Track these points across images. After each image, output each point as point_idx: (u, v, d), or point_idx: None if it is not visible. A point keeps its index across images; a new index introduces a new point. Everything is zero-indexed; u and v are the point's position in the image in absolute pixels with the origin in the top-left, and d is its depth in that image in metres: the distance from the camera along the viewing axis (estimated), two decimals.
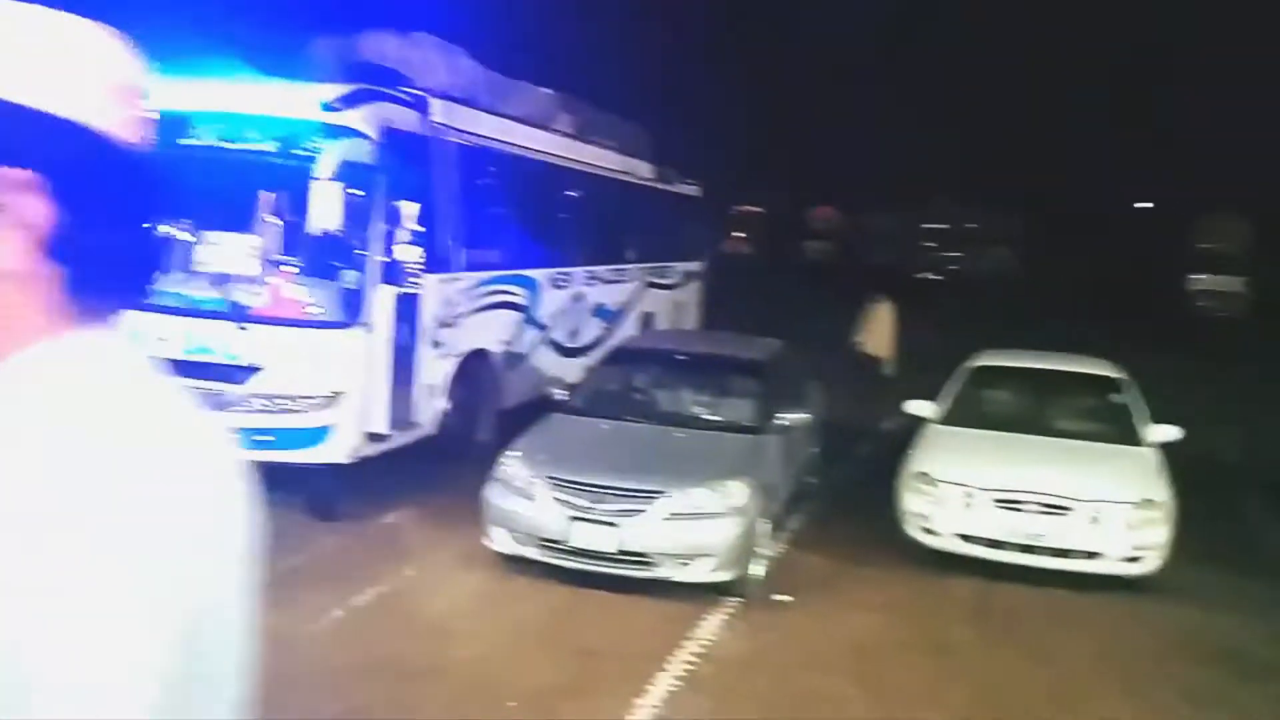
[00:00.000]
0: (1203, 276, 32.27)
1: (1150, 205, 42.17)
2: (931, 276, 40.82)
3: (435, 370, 8.74)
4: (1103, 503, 6.95)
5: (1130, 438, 7.82)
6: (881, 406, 11.51)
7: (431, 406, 8.69)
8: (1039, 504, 7.01)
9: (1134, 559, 6.93)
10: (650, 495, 6.57)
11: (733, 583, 6.60)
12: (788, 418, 7.82)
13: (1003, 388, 8.70)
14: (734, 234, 51.37)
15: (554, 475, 6.76)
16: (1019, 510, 7.04)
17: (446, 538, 7.40)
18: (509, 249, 10.30)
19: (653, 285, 14.48)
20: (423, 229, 8.23)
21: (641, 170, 14.28)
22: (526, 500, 6.71)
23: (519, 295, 10.42)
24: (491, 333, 9.83)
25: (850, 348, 13.98)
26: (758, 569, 6.91)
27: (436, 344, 8.73)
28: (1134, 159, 43.46)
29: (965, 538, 7.19)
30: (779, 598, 6.75)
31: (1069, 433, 8.02)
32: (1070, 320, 24.18)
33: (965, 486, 7.23)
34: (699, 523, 6.52)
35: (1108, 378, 8.52)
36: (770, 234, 50.86)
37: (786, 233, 50.51)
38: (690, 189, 16.46)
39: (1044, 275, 43.73)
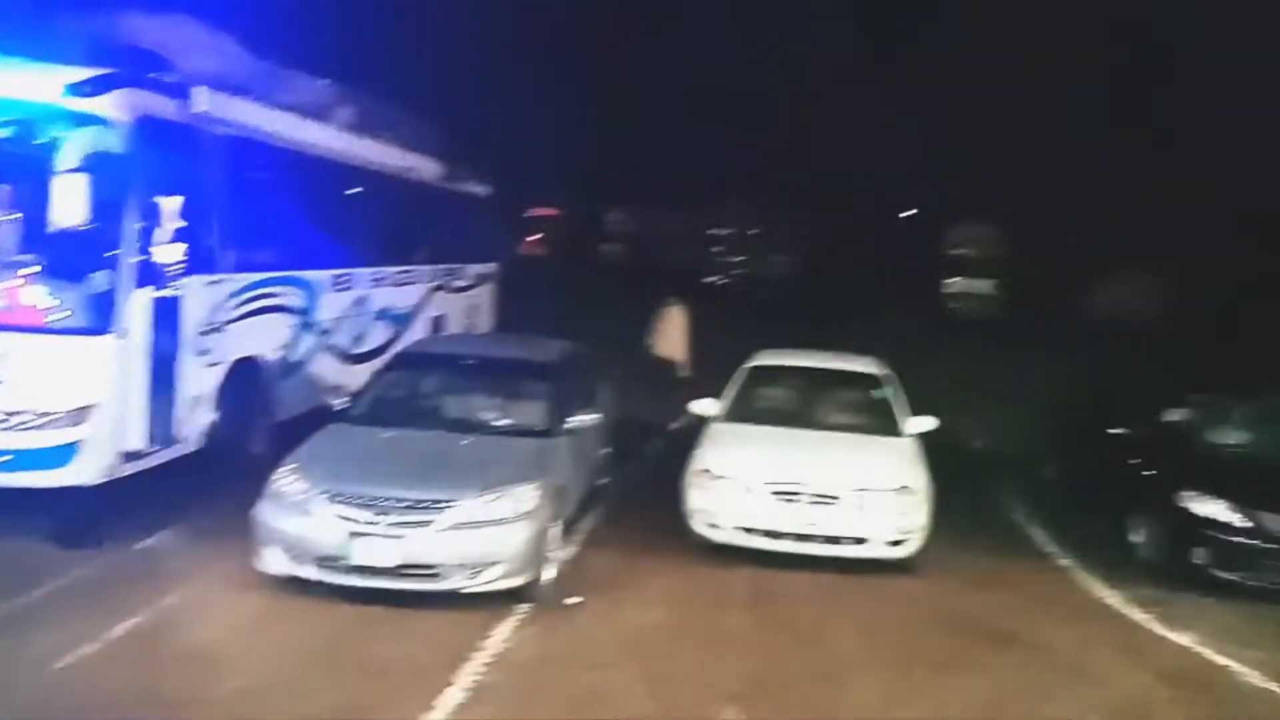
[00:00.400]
0: (955, 279, 35.11)
1: (914, 212, 45.61)
2: (720, 280, 42.30)
3: (200, 380, 8.16)
4: (867, 491, 7.44)
5: (891, 429, 8.40)
6: (673, 407, 11.82)
7: (197, 419, 8.12)
8: (811, 494, 7.41)
9: (897, 542, 7.45)
10: (437, 505, 6.42)
11: (524, 588, 6.55)
12: (578, 420, 7.86)
13: (777, 386, 9.13)
14: (530, 235, 51.21)
15: (333, 489, 6.47)
16: (793, 501, 7.42)
17: (215, 560, 6.90)
18: (283, 249, 9.75)
19: (443, 288, 14.18)
20: (185, 226, 7.68)
21: (430, 168, 13.94)
22: (303, 517, 6.39)
23: (294, 298, 9.91)
24: (263, 339, 9.28)
25: (645, 350, 14.29)
26: (550, 572, 6.90)
27: (201, 351, 8.16)
28: (901, 168, 47.02)
29: (745, 530, 7.50)
30: (570, 600, 6.77)
31: (837, 426, 8.52)
32: (843, 320, 25.84)
33: (744, 481, 7.54)
34: (488, 530, 6.42)
35: (870, 374, 9.12)
36: (566, 236, 51.08)
37: (582, 235, 50.90)
38: (483, 189, 16.25)
39: (823, 279, 46.49)
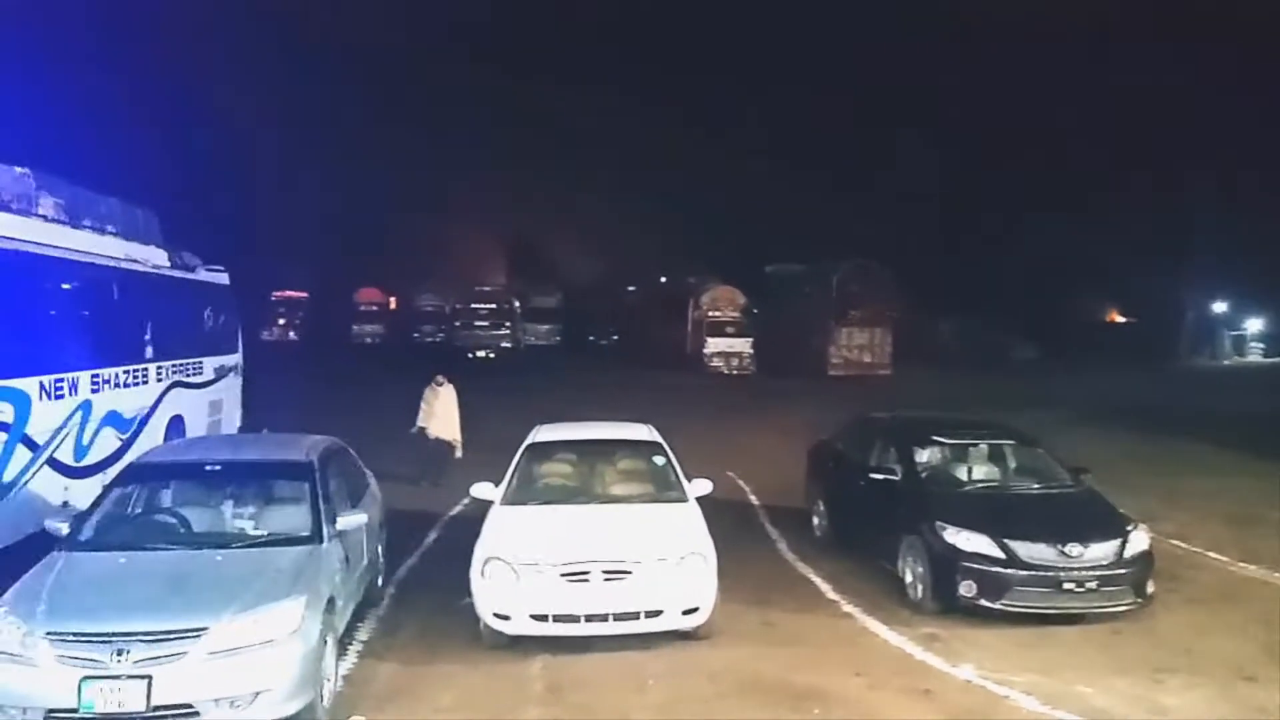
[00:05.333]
0: (716, 340, 36.37)
1: (664, 279, 47.60)
2: (485, 354, 41.78)
3: None
4: (658, 561, 7.31)
5: (674, 495, 8.39)
6: (451, 491, 11.31)
7: None
8: (603, 572, 7.19)
9: (691, 610, 7.35)
10: (188, 634, 5.67)
11: (299, 715, 5.88)
12: (345, 520, 7.25)
13: (558, 461, 8.92)
14: (277, 320, 48.50)
15: (56, 630, 5.56)
16: (585, 581, 7.16)
17: None
18: None
19: (180, 385, 12.92)
20: None
21: (154, 257, 12.75)
22: (20, 666, 5.44)
23: None
24: None
25: (417, 434, 13.68)
26: (326, 691, 6.26)
27: None
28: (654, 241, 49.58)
29: (537, 617, 7.15)
30: None
31: (622, 497, 8.42)
32: (611, 386, 26.28)
33: (533, 566, 7.22)
34: (251, 655, 5.72)
35: (649, 441, 9.12)
36: (317, 319, 48.77)
37: (335, 316, 48.80)
38: (218, 276, 15.08)
39: (589, 346, 47.21)
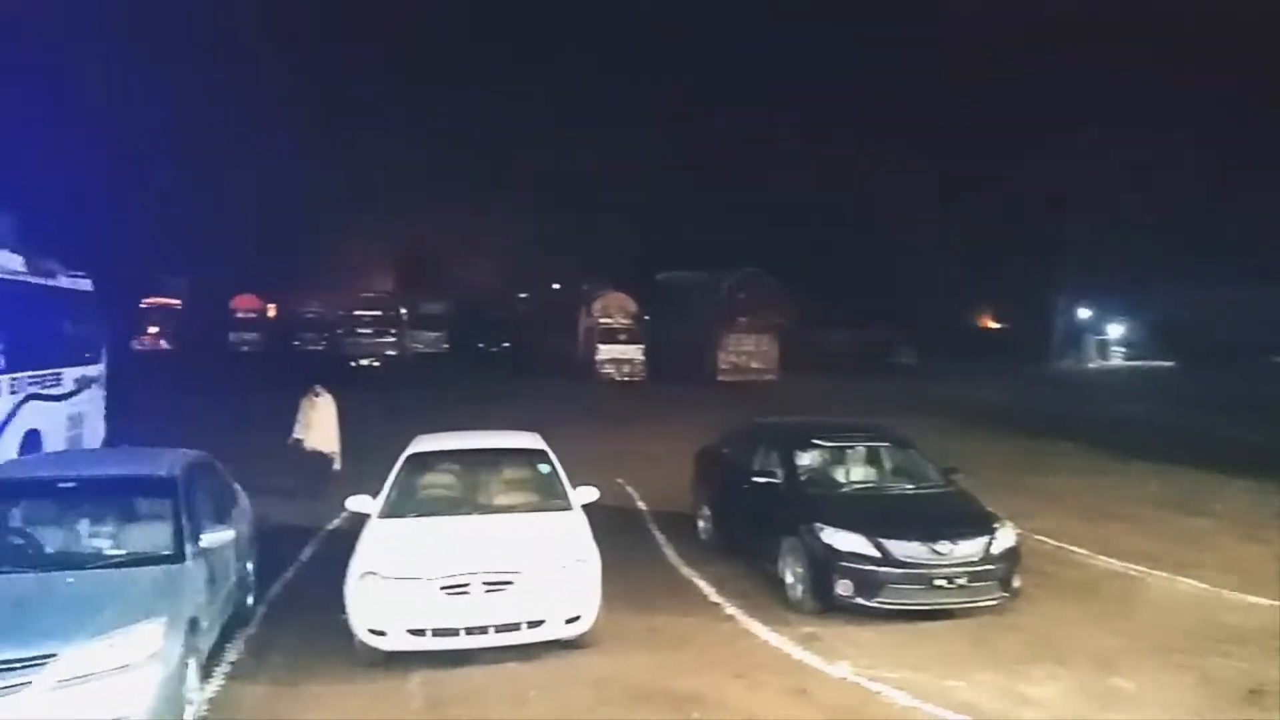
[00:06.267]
0: (608, 347, 36.48)
1: (557, 286, 47.56)
2: (369, 363, 40.76)
3: None
4: (541, 570, 7.23)
5: (559, 503, 8.31)
6: (329, 505, 10.97)
7: None
8: (483, 583, 7.06)
9: (573, 619, 7.29)
10: (34, 662, 5.30)
11: None
12: (211, 536, 6.93)
13: (439, 472, 8.73)
14: (148, 330, 46.32)
15: None
16: (465, 593, 7.02)
17: None
18: None
19: (37, 397, 12.17)
20: None
21: (8, 262, 11.99)
22: None
23: None
24: None
25: (292, 446, 13.22)
26: (189, 717, 5.98)
27: None
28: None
29: (414, 632, 6.97)
30: None
31: (505, 507, 8.28)
32: (499, 394, 26.01)
33: (411, 579, 7.03)
34: (106, 682, 5.40)
35: (533, 449, 8.99)
36: (190, 327, 46.77)
37: (209, 325, 46.88)
38: (80, 283, 14.29)
39: (477, 353, 46.60)
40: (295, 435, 13.30)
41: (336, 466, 13.38)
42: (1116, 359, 48.83)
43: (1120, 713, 6.51)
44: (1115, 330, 50.29)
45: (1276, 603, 8.79)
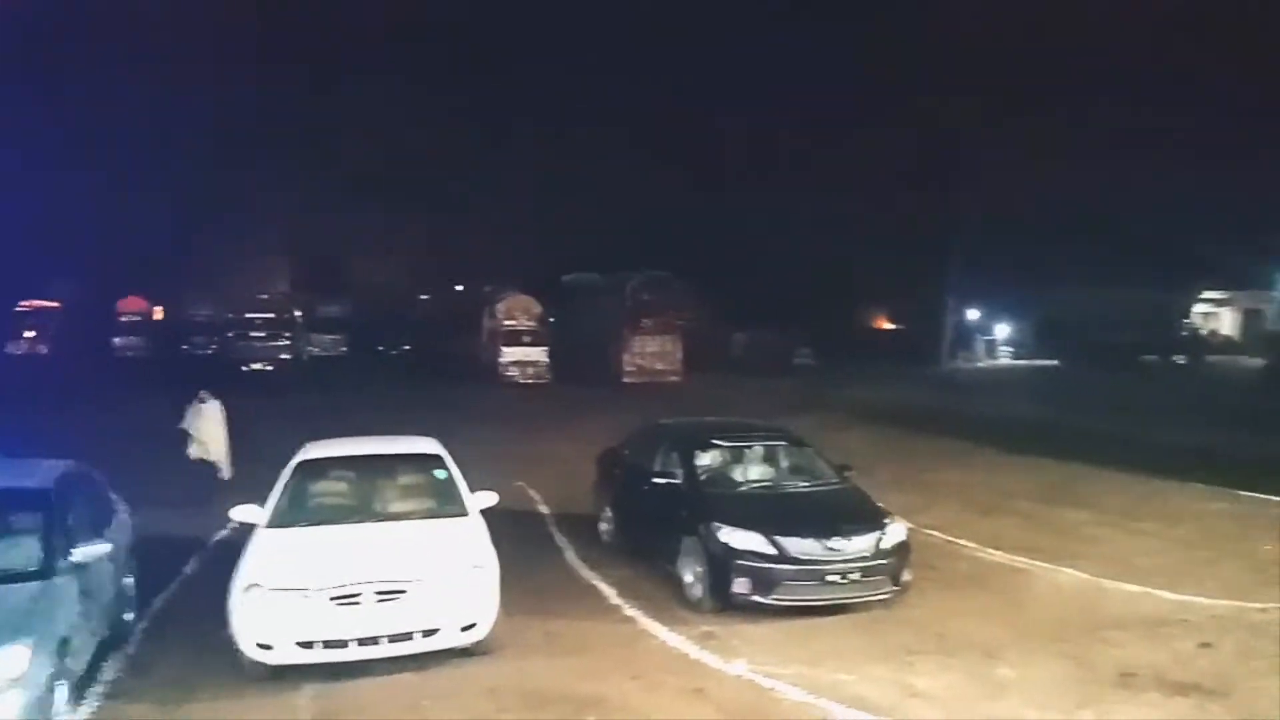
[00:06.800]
0: (512, 349, 36.20)
1: (459, 288, 46.96)
2: (262, 367, 39.42)
3: None
4: (436, 578, 7.10)
5: (455, 509, 8.16)
6: (216, 515, 10.55)
7: None
8: (375, 593, 6.90)
9: (469, 626, 7.18)
10: None
11: None
12: (84, 551, 6.59)
13: (330, 479, 8.48)
14: (22, 333, 43.89)
15: None
16: (356, 604, 6.85)
17: None
18: None
19: None
20: None
21: None
22: None
23: None
24: None
25: (184, 447, 12.75)
26: None
27: None
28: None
29: (303, 645, 6.77)
30: None
31: (399, 514, 8.09)
32: (392, 398, 25.55)
33: (298, 591, 6.83)
34: None
35: (429, 454, 8.81)
36: (70, 331, 44.48)
37: (91, 328, 44.67)
38: None
39: (377, 356, 45.60)
40: (184, 443, 12.87)
41: (225, 475, 12.94)
42: (1004, 358, 50.70)
43: (1003, 701, 6.75)
44: (1002, 330, 52.23)
45: (1151, 590, 9.25)
